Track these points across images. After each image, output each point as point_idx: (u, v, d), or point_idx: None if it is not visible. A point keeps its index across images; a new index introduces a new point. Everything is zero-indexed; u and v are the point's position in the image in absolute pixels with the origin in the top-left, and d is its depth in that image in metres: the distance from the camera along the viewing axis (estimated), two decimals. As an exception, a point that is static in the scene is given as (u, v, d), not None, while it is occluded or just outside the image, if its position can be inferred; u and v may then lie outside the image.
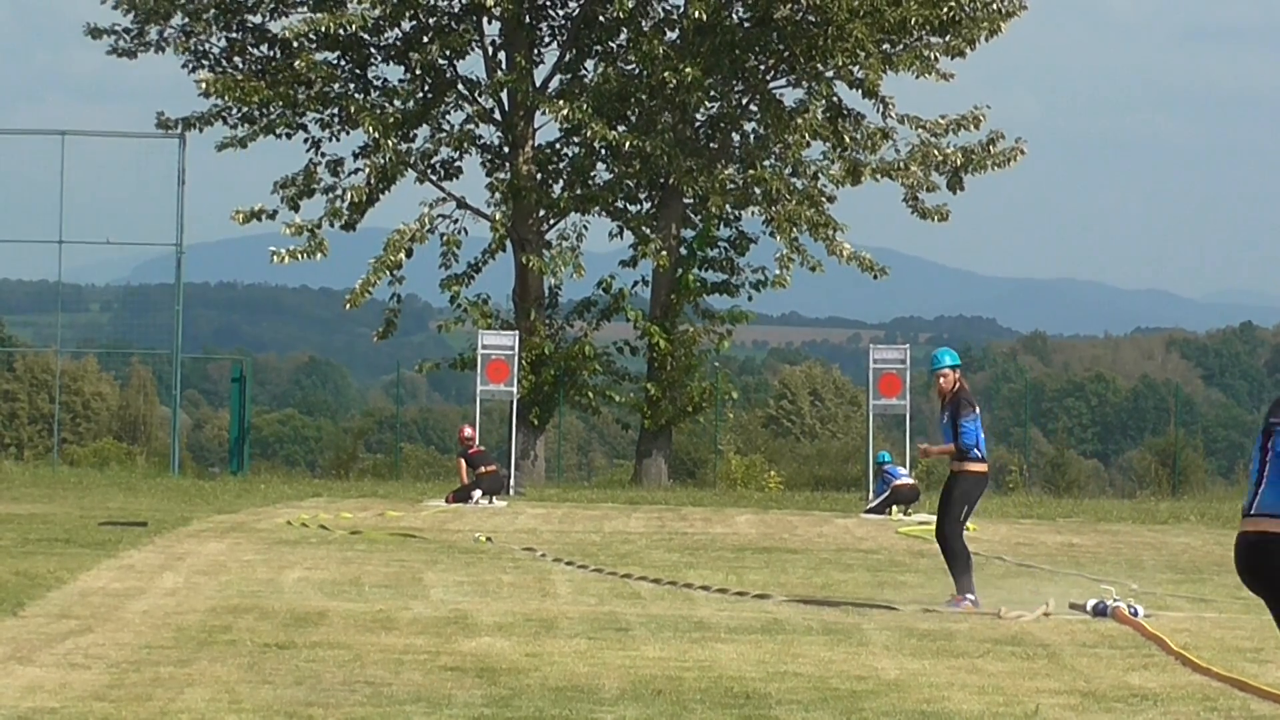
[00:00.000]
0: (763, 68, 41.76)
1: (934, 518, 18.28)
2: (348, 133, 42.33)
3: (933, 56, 40.72)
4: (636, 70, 41.33)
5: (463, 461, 32.65)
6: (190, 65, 41.95)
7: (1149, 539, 27.05)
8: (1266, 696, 12.49)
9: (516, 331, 38.70)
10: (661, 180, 41.57)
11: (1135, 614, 16.36)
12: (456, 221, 42.43)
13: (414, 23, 41.82)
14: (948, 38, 40.51)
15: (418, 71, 41.98)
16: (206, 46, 42.14)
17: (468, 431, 33.23)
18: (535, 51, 42.43)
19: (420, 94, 42.09)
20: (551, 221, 42.52)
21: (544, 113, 41.51)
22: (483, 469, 32.37)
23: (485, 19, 42.02)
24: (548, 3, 42.59)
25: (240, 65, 42.02)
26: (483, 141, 42.57)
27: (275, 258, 41.69)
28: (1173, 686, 12.96)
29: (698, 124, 42.21)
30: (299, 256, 41.55)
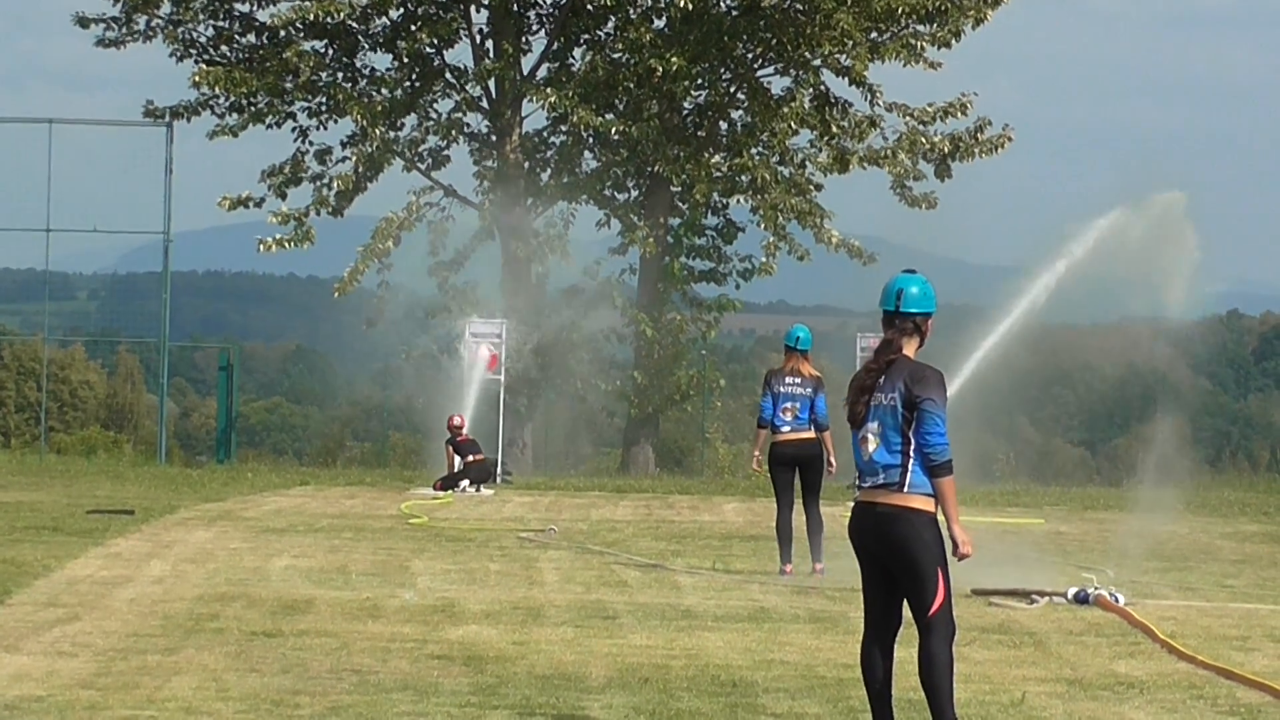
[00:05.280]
0: (750, 56, 41.74)
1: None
2: (335, 121, 42.26)
3: (920, 45, 40.68)
4: (624, 58, 41.28)
5: (451, 449, 32.63)
6: (178, 54, 41.88)
7: (1135, 526, 27.06)
8: (1252, 685, 12.53)
9: (504, 319, 38.68)
10: (649, 169, 41.55)
11: (1117, 601, 16.40)
12: (444, 210, 42.49)
13: (402, 11, 41.76)
14: (934, 26, 40.49)
15: (405, 60, 41.93)
16: (194, 35, 42.07)
17: (457, 420, 33.21)
18: (523, 39, 42.38)
19: (408, 82, 42.04)
20: (539, 209, 42.53)
21: (531, 101, 41.47)
22: (471, 458, 32.37)
23: (473, 7, 41.96)
24: (534, -10, 42.56)
25: (228, 54, 41.95)
26: (470, 130, 42.56)
27: (262, 246, 41.63)
28: (1159, 675, 13.00)
29: (685, 112, 42.18)
30: (286, 245, 41.50)
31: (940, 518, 9.84)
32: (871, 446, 9.84)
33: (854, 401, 9.93)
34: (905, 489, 9.75)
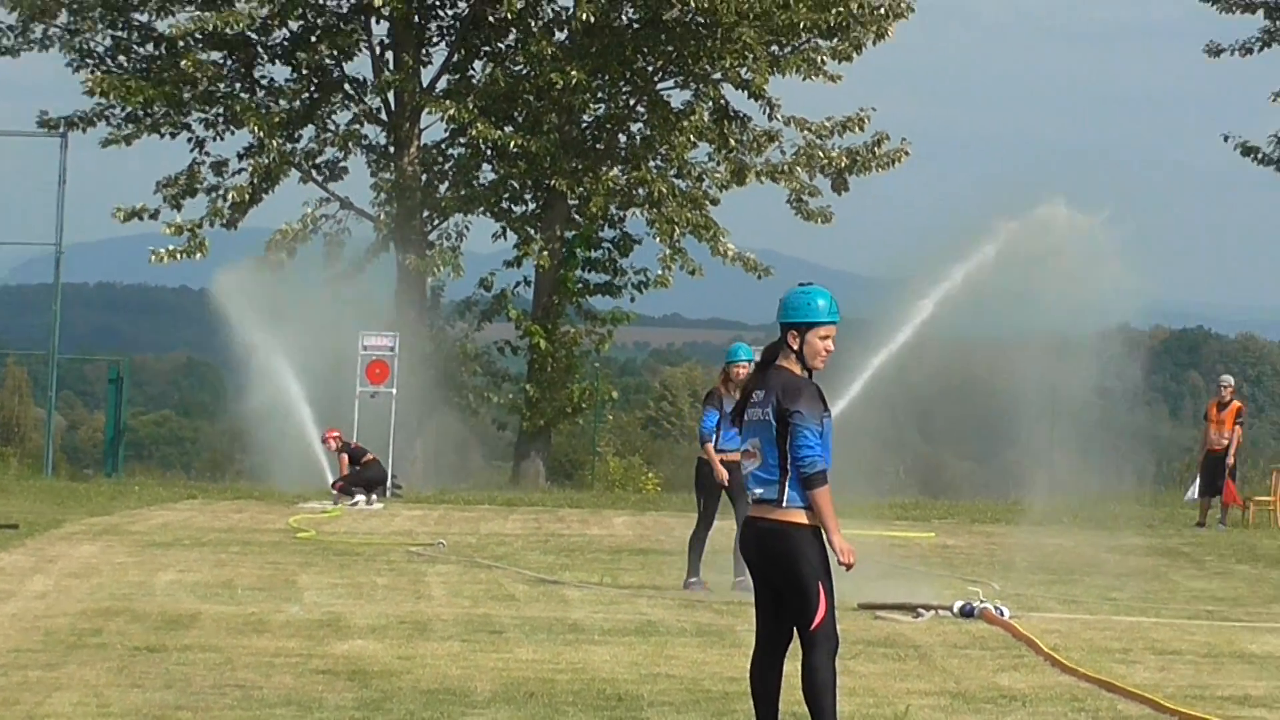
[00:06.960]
0: (650, 69, 41.79)
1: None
2: (232, 132, 41.95)
3: (820, 59, 40.83)
4: (524, 71, 41.26)
5: (345, 457, 32.50)
6: (74, 64, 41.48)
7: (1022, 540, 27.25)
8: (1133, 697, 12.66)
9: (397, 332, 38.52)
10: (546, 181, 41.49)
11: (1002, 615, 16.53)
12: (340, 222, 42.31)
13: (302, 23, 41.55)
14: (835, 41, 40.64)
15: (304, 71, 41.73)
16: (91, 45, 41.69)
17: (335, 433, 33.08)
18: (423, 52, 42.28)
19: (306, 94, 41.82)
20: (436, 222, 42.41)
21: (430, 113, 41.36)
22: (365, 458, 32.40)
23: (373, 19, 41.82)
24: (436, 3, 42.42)
25: (125, 64, 41.61)
26: (368, 142, 42.38)
27: (154, 257, 41.35)
28: (1041, 687, 13.11)
29: (584, 125, 42.19)
30: (178, 256, 41.21)
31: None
32: (752, 463, 9.89)
33: (735, 418, 10.01)
34: (784, 504, 9.79)
